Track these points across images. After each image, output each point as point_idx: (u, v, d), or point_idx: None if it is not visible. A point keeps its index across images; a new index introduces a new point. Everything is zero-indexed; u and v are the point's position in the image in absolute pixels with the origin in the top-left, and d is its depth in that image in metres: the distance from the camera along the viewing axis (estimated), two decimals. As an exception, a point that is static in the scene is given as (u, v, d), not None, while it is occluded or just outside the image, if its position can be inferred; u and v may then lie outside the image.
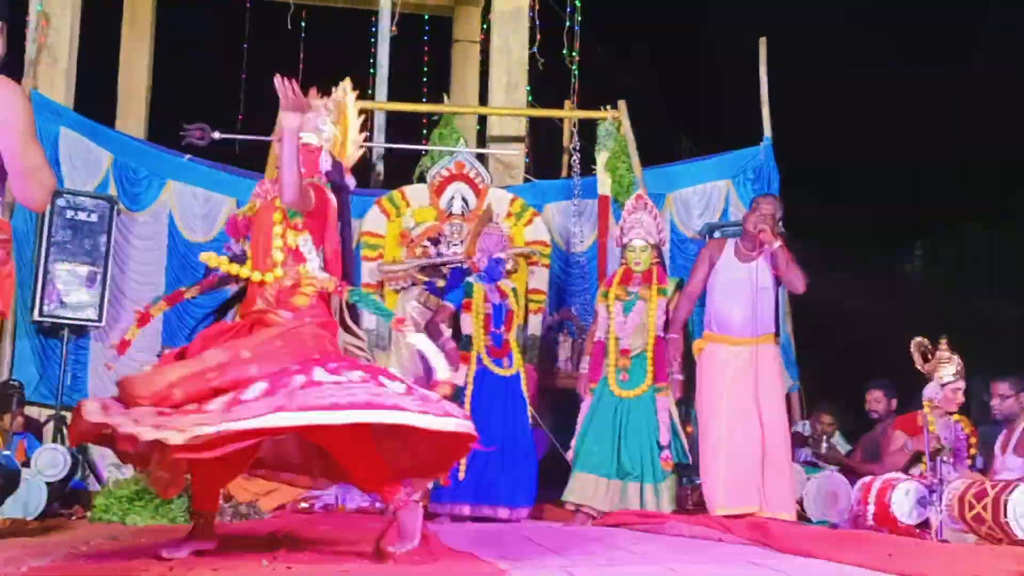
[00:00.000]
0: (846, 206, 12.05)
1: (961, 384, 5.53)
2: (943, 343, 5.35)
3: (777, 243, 5.60)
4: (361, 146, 4.59)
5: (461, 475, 6.36)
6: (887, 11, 12.28)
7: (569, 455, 6.40)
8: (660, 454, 6.21)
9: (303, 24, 10.43)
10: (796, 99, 10.34)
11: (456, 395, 6.66)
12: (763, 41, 8.25)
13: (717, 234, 8.09)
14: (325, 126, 4.27)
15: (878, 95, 13.22)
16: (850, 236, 12.27)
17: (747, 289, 5.68)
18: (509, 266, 6.98)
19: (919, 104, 12.60)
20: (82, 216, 7.79)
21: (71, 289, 7.71)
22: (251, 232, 4.30)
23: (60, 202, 7.69)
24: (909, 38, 12.27)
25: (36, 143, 2.96)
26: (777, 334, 5.94)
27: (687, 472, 6.43)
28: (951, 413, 5.64)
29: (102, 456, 8.00)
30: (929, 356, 5.33)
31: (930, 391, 5.18)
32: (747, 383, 5.59)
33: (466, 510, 6.36)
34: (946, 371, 5.31)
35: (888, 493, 5.03)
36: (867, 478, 5.41)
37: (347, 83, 4.49)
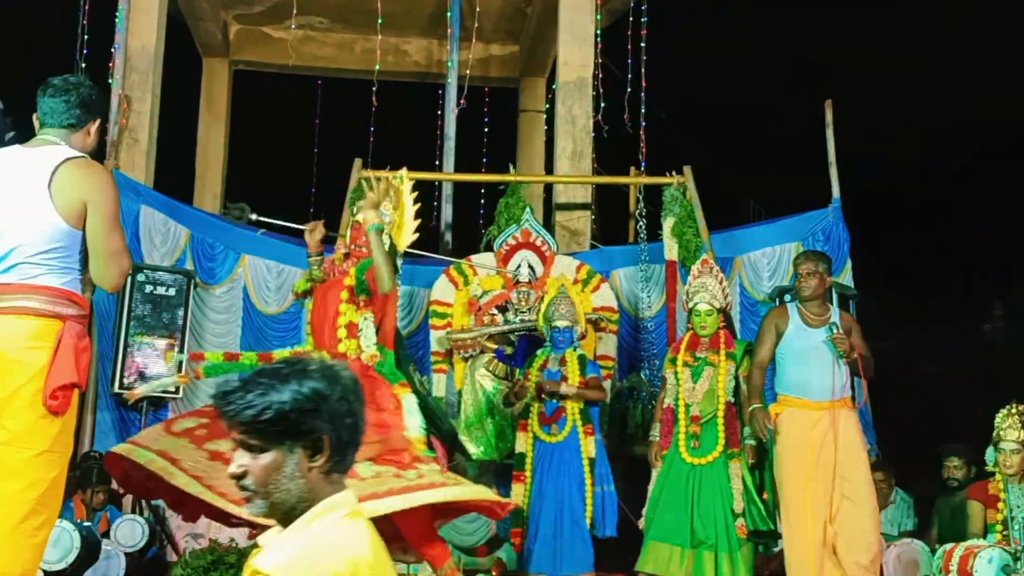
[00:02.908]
0: (921, 267, 11.85)
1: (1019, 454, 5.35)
2: (1018, 407, 5.22)
3: (855, 355, 5.49)
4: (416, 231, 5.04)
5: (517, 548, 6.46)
6: (957, 76, 12.17)
7: (640, 523, 6.33)
8: (735, 522, 6.09)
9: (373, 98, 10.70)
10: (865, 160, 10.27)
11: (519, 463, 6.71)
12: (829, 104, 8.25)
13: (788, 298, 8.00)
14: (387, 212, 4.71)
15: (951, 156, 13.05)
16: (926, 297, 12.04)
17: (822, 354, 5.57)
18: (579, 332, 7.00)
19: (995, 163, 12.40)
20: (161, 291, 8.01)
21: (150, 362, 7.90)
22: (313, 304, 4.80)
23: (140, 277, 7.92)
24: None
25: (120, 229, 3.10)
26: (854, 397, 5.80)
27: (763, 540, 6.29)
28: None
29: (179, 527, 8.13)
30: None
31: (988, 454, 5.09)
32: (829, 450, 5.46)
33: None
34: (1009, 436, 5.18)
35: (971, 561, 4.89)
36: (949, 545, 5.27)
37: (404, 171, 5.02)
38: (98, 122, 3.34)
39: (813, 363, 5.55)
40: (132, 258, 3.11)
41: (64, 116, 3.25)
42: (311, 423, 1.95)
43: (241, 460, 1.98)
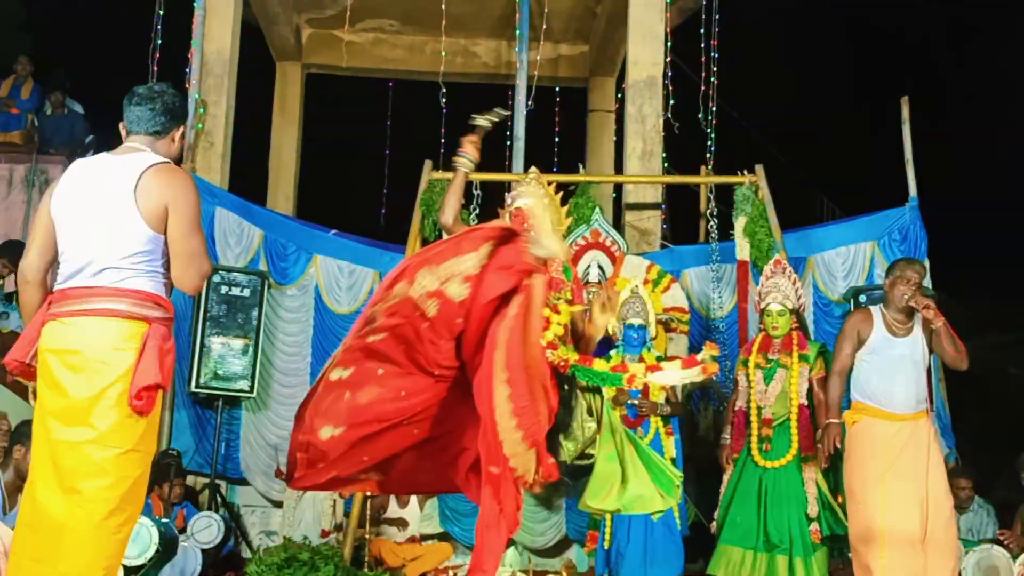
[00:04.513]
0: (1001, 267, 11.55)
1: None
2: None
3: (940, 322, 5.28)
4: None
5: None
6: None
7: (712, 526, 6.27)
8: (809, 526, 6.01)
9: (442, 100, 10.77)
10: (942, 158, 10.04)
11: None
12: (905, 100, 8.09)
13: (863, 298, 7.86)
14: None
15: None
16: (1006, 299, 11.74)
17: (908, 366, 5.38)
18: (651, 332, 6.95)
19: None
20: (236, 291, 8.14)
21: (225, 361, 8.04)
22: None
23: (216, 278, 8.05)
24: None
25: (199, 232, 3.18)
26: (931, 406, 5.61)
27: (839, 544, 6.19)
28: None
29: (253, 524, 8.28)
30: None
31: None
32: (910, 461, 5.29)
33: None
34: None
35: (1055, 569, 4.77)
36: (1031, 553, 5.14)
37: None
38: (182, 129, 3.45)
39: (898, 375, 5.34)
40: (211, 262, 3.17)
41: (150, 123, 3.35)
42: None
43: None
